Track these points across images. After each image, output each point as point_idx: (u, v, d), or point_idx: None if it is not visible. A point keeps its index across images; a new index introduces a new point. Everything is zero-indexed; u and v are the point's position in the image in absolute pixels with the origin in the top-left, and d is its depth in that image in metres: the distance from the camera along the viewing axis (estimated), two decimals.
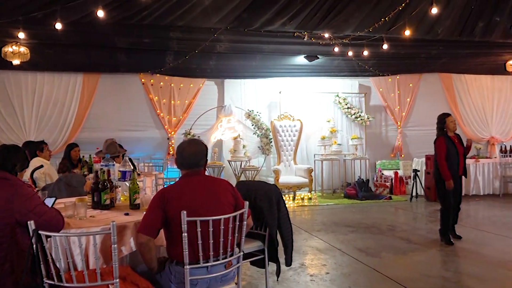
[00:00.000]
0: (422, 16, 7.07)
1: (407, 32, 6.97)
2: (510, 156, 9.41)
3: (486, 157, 9.71)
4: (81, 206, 2.84)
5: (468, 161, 8.97)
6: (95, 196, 3.19)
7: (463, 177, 5.60)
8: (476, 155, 9.54)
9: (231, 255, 2.67)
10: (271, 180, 9.00)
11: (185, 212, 2.42)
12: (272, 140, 9.42)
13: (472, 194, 9.03)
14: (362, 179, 9.52)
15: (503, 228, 6.33)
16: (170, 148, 9.13)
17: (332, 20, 6.85)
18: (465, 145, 5.59)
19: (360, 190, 9.13)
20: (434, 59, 9.56)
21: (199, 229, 2.44)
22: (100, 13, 6.04)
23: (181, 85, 9.22)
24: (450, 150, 5.35)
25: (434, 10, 6.59)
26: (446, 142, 5.37)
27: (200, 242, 2.46)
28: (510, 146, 9.65)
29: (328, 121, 9.85)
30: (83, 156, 6.04)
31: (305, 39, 7.57)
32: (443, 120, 5.49)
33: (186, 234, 2.43)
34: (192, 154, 2.68)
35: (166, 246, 2.69)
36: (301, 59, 9.03)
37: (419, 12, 6.90)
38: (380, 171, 9.91)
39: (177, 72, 9.06)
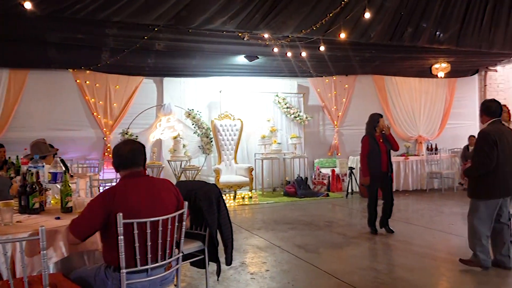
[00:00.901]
0: (356, 21, 7.37)
1: (342, 35, 7.24)
2: (435, 154, 10.10)
3: (415, 155, 10.34)
4: (6, 211, 2.65)
5: (398, 158, 9.53)
6: (23, 200, 2.99)
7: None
8: (405, 153, 10.13)
9: (171, 257, 2.63)
10: (212, 180, 8.96)
11: (121, 214, 2.34)
12: (213, 139, 9.38)
13: (402, 190, 9.58)
14: (301, 177, 9.77)
15: (430, 221, 6.78)
16: (107, 148, 8.79)
17: (271, 21, 6.95)
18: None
19: (299, 188, 9.35)
20: (367, 62, 10.01)
21: (136, 231, 2.38)
22: (28, 5, 5.67)
23: (117, 85, 8.90)
24: (373, 148, 5.77)
25: (367, 15, 6.90)
26: (370, 141, 5.81)
27: (137, 245, 2.40)
28: (436, 144, 10.35)
29: (268, 121, 9.98)
30: (9, 157, 5.66)
31: (245, 39, 7.61)
32: (377, 119, 5.90)
33: (122, 237, 2.36)
34: (129, 152, 2.60)
35: (102, 250, 2.59)
36: (241, 59, 9.08)
37: (353, 16, 7.19)
38: (318, 169, 10.21)
39: (114, 70, 8.73)
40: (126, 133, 8.85)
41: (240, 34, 7.46)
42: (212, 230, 3.34)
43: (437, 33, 8.38)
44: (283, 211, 7.77)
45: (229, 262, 3.55)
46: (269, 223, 6.74)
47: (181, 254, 2.75)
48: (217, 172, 8.73)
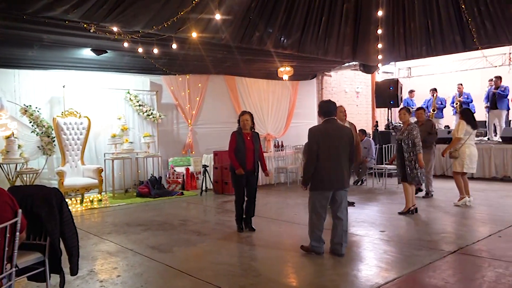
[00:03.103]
0: (208, 21, 7.51)
1: (194, 34, 7.30)
2: (282, 150, 10.93)
3: (263, 152, 11.00)
4: None
5: None
6: None
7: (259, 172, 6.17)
8: None
9: (1, 273, 2.31)
10: (54, 183, 8.16)
11: None
12: (55, 139, 8.53)
13: None
14: (155, 176, 9.57)
15: (277, 212, 7.32)
16: None
17: (120, 14, 6.59)
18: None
19: (153, 187, 9.15)
20: (219, 62, 10.28)
21: None
22: None
23: None
24: (240, 145, 5.83)
25: (218, 16, 7.09)
26: (237, 138, 5.87)
27: None
28: (282, 141, 11.21)
29: (119, 119, 9.52)
30: None
31: (92, 31, 7.09)
32: (239, 117, 6.04)
33: None
34: None
35: None
36: (88, 52, 8.40)
37: (205, 16, 7.30)
38: (173, 168, 10.14)
39: None
40: None
41: (85, 26, 6.91)
42: (54, 238, 3.04)
43: (282, 39, 9.06)
44: (136, 213, 7.51)
45: (75, 271, 3.29)
46: (120, 226, 6.44)
47: (14, 269, 2.44)
48: (61, 174, 7.98)
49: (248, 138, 5.92)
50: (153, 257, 4.78)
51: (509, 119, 11.64)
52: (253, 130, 6.05)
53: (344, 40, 10.07)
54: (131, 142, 9.47)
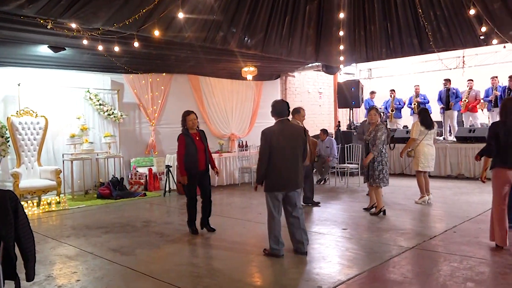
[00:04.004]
0: (171, 20, 7.41)
1: (157, 33, 7.19)
2: (246, 150, 10.95)
3: (228, 152, 11.02)
4: None
5: (213, 155, 9.97)
6: None
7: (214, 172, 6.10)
8: (219, 150, 10.70)
9: None
10: (9, 186, 7.82)
11: None
12: (10, 139, 8.17)
13: (218, 185, 10.08)
14: (117, 177, 9.35)
15: (241, 212, 7.33)
16: None
17: (79, 10, 6.39)
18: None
19: (115, 189, 8.94)
20: (183, 62, 10.17)
21: None
22: None
23: None
24: (189, 147, 5.66)
25: (181, 15, 7.01)
26: (185, 139, 5.68)
27: None
28: (246, 141, 11.23)
29: (78, 118, 9.23)
30: None
31: (49, 27, 6.83)
32: (183, 118, 5.80)
33: None
34: None
35: None
36: (45, 49, 8.09)
37: (168, 15, 7.21)
38: (135, 169, 9.94)
39: None
40: None
41: (42, 22, 6.65)
42: (8, 243, 2.91)
43: (245, 39, 9.08)
44: (97, 215, 7.30)
45: (31, 277, 3.15)
46: (80, 229, 6.24)
47: None
48: (16, 176, 7.66)
49: (197, 138, 5.77)
50: (115, 260, 4.66)
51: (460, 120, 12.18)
52: (197, 128, 5.90)
53: (307, 41, 10.22)
54: (91, 142, 9.21)
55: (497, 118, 10.49)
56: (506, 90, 10.70)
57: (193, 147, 5.69)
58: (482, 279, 3.88)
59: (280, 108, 4.74)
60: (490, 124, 5.25)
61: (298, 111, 6.95)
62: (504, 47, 9.74)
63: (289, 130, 4.69)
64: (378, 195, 6.63)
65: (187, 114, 5.82)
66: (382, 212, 6.59)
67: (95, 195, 8.95)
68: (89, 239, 5.64)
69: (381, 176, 6.50)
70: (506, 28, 8.53)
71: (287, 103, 4.83)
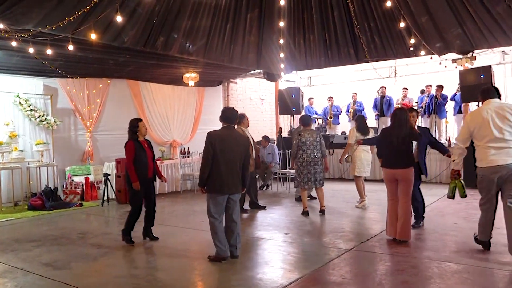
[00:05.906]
0: (109, 23, 7.17)
1: (93, 36, 6.92)
2: (188, 157, 10.81)
3: (170, 159, 10.82)
4: None
5: None
6: None
7: (158, 181, 6.07)
8: (160, 157, 10.47)
9: None
10: None
11: None
12: None
13: (159, 193, 9.83)
14: (50, 187, 8.84)
15: (183, 220, 7.22)
16: None
17: (7, 10, 6.02)
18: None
19: (48, 199, 8.45)
20: (122, 66, 9.87)
21: None
22: None
23: None
24: (140, 154, 5.58)
25: (119, 18, 6.80)
26: (135, 146, 5.58)
27: None
28: (188, 148, 11.09)
29: (7, 125, 8.63)
30: None
31: None
32: (136, 124, 5.69)
33: None
34: None
35: None
36: None
37: (105, 18, 6.97)
38: (70, 178, 9.45)
39: None
40: None
41: None
42: None
43: (187, 44, 9.00)
44: (27, 228, 6.86)
45: None
46: (8, 243, 5.82)
47: None
48: None
49: (146, 145, 5.76)
50: (47, 275, 4.40)
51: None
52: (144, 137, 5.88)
53: (248, 48, 10.33)
54: (21, 151, 8.65)
55: (428, 125, 11.35)
56: (433, 99, 11.47)
57: (144, 154, 5.63)
58: (413, 273, 4.10)
59: (229, 114, 4.94)
60: (381, 130, 5.96)
61: (241, 117, 7.08)
62: (431, 58, 10.43)
63: (233, 136, 4.84)
64: (303, 196, 7.34)
65: (138, 121, 5.79)
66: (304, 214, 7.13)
67: (26, 207, 8.39)
68: (19, 253, 5.28)
69: (299, 179, 7.16)
70: (433, 41, 9.18)
71: (237, 112, 5.05)
